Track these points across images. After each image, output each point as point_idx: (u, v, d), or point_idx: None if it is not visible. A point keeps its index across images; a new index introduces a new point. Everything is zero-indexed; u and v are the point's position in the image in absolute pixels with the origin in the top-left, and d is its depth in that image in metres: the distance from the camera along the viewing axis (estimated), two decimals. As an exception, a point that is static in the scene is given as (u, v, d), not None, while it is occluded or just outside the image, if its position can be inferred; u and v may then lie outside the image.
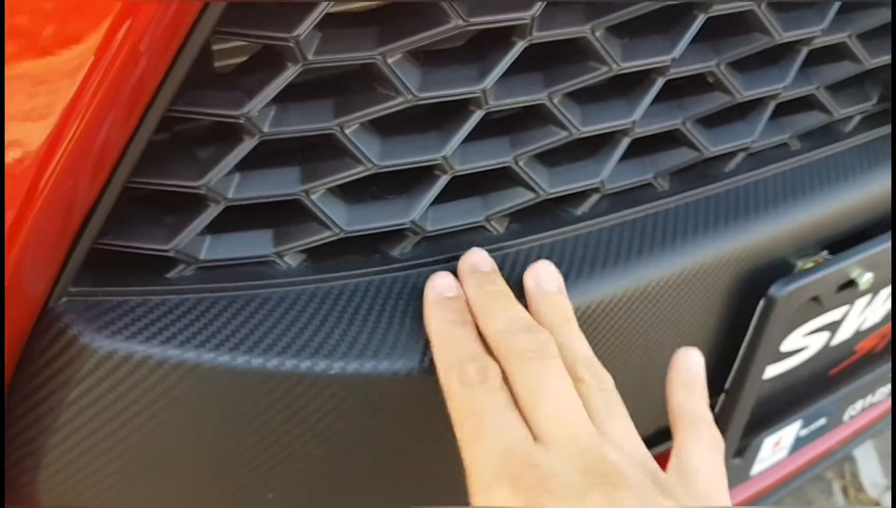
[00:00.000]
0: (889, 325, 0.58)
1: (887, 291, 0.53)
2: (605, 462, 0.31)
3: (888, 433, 1.02)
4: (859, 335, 0.55)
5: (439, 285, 0.37)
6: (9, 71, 0.27)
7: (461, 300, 0.36)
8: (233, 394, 0.33)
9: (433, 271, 0.37)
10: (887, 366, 0.60)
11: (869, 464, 0.99)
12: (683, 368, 0.38)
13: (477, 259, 0.37)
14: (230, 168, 0.31)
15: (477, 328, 0.35)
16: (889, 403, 0.71)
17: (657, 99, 0.40)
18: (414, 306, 0.36)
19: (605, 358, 0.36)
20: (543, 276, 0.38)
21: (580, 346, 0.36)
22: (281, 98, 0.31)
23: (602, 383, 0.35)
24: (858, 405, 0.59)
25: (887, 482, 0.98)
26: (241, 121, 0.30)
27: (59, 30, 0.27)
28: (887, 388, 0.61)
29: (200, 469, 0.35)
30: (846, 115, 0.48)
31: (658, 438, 0.48)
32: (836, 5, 0.43)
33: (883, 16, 0.46)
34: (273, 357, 0.33)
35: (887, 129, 0.52)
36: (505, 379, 0.34)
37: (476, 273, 0.37)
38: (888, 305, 0.55)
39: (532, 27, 0.33)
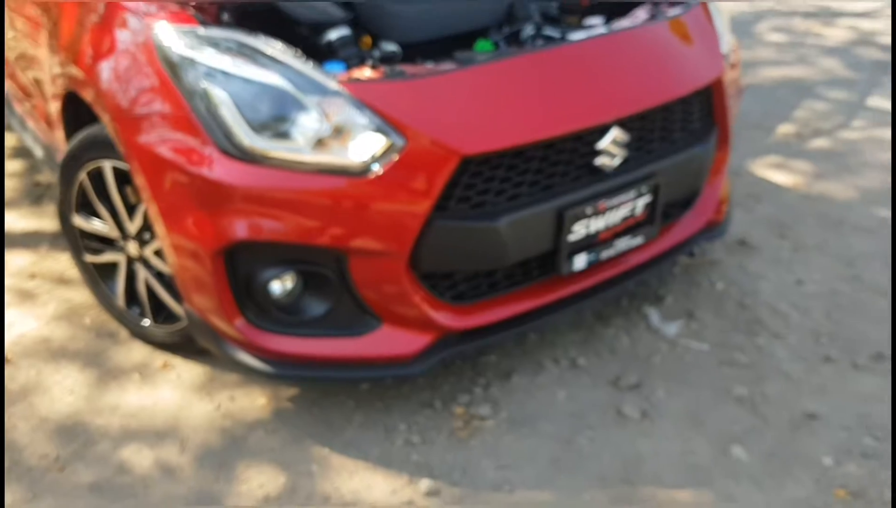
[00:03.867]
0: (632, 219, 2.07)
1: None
2: None
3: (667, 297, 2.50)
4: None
5: None
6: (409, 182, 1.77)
7: None
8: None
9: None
10: (629, 241, 2.08)
11: (652, 314, 2.46)
12: None
13: None
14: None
15: None
16: (634, 260, 2.19)
17: None
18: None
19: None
20: None
21: None
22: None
23: None
24: (609, 253, 2.08)
25: (664, 326, 2.44)
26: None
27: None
28: (623, 245, 2.09)
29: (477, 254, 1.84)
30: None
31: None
32: None
33: None
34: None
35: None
36: None
37: None
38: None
39: None
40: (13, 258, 2.79)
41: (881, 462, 1.97)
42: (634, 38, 2.14)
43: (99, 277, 2.34)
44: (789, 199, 3.15)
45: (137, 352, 2.33)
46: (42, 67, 2.43)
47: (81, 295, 2.57)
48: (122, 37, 1.92)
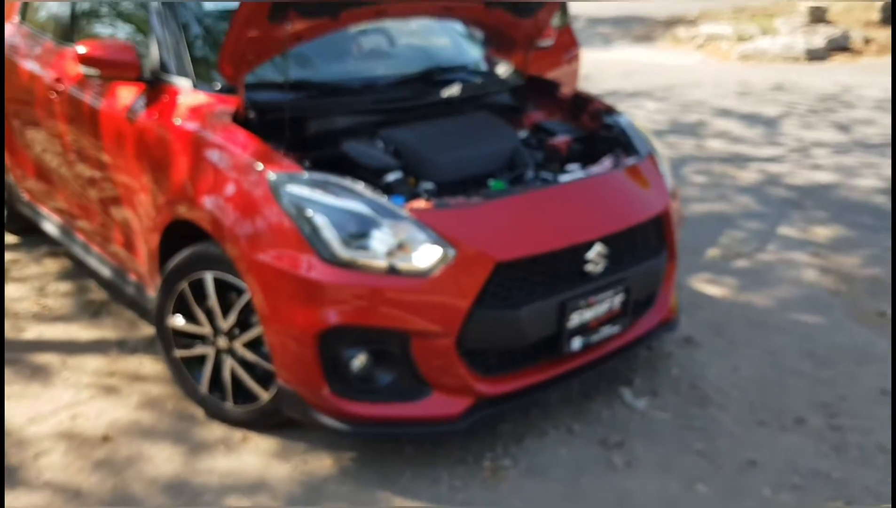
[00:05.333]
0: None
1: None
2: None
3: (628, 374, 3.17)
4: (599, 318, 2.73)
5: None
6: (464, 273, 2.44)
7: None
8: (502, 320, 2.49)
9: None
10: (610, 329, 2.77)
11: (626, 393, 3.12)
12: None
13: None
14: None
15: None
16: (612, 345, 2.88)
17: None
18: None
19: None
20: None
21: None
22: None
23: None
24: (596, 338, 2.76)
25: (635, 402, 3.10)
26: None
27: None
28: (606, 331, 2.78)
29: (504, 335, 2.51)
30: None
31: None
32: None
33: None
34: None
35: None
36: None
37: None
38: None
39: None
40: (88, 362, 3.31)
41: (806, 492, 2.63)
42: (607, 179, 2.91)
43: (185, 368, 2.90)
44: (721, 307, 3.91)
45: (217, 430, 2.86)
46: (139, 200, 3.05)
47: (158, 388, 3.10)
48: (239, 179, 2.58)
